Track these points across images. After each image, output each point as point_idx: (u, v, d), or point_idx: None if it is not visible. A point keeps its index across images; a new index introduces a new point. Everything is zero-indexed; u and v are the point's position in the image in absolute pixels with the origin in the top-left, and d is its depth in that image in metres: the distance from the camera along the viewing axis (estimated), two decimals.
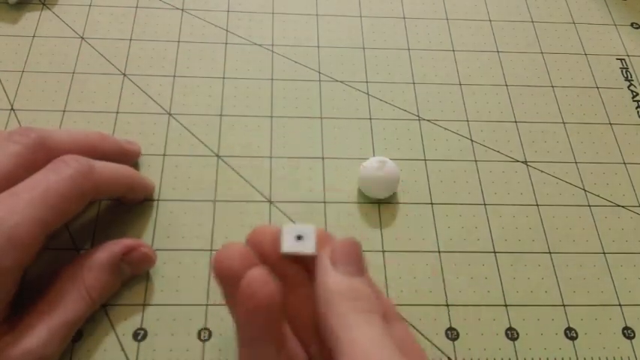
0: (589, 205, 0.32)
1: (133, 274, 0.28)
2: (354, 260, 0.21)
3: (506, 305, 0.29)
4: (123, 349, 0.26)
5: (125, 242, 0.27)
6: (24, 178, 0.24)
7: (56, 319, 0.24)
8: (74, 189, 0.24)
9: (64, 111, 0.33)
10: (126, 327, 0.27)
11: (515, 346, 0.28)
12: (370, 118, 0.35)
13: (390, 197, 0.32)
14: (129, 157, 0.30)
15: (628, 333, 0.29)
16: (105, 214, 0.30)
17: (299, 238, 0.22)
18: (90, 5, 0.38)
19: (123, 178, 0.28)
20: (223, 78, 0.35)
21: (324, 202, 0.31)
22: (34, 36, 0.36)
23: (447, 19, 0.40)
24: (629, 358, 0.28)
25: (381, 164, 0.30)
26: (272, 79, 0.36)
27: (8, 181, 0.24)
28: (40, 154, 0.25)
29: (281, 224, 0.22)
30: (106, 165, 0.27)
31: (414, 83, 0.36)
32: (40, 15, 0.37)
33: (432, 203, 0.32)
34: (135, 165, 0.32)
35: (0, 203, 0.23)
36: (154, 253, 0.28)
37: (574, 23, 0.40)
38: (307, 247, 0.22)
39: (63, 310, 0.24)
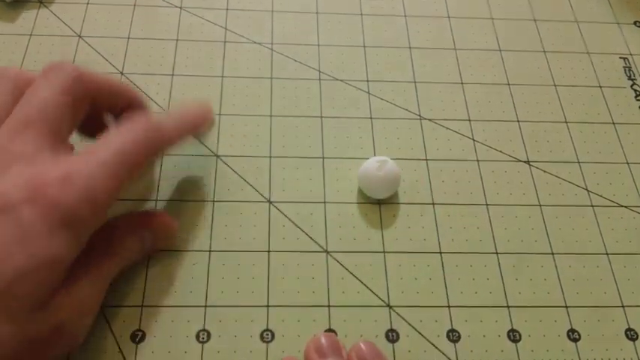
0: (592, 206, 0.32)
1: (153, 249, 0.28)
2: None
3: (508, 307, 0.29)
4: (121, 351, 0.26)
5: (149, 214, 0.28)
6: (74, 113, 0.25)
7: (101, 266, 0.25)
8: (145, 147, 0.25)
9: None
10: (124, 329, 0.26)
11: (517, 348, 0.27)
12: (371, 118, 0.34)
13: (390, 197, 0.31)
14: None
15: (631, 334, 0.28)
16: None
17: None
18: (87, 3, 0.37)
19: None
20: (222, 77, 0.35)
21: (324, 202, 0.31)
22: (31, 34, 0.36)
23: (449, 17, 0.39)
24: (631, 359, 0.28)
25: (381, 164, 0.30)
26: (271, 78, 0.35)
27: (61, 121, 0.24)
28: (81, 89, 0.25)
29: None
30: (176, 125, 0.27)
31: (415, 82, 0.36)
32: (38, 13, 0.37)
33: (433, 203, 0.31)
34: None
35: (85, 165, 0.23)
36: (174, 222, 0.28)
37: (577, 22, 0.40)
38: None
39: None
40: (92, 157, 0.23)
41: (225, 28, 0.37)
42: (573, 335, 0.28)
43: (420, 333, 0.28)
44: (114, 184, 0.23)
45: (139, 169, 0.24)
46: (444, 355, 0.27)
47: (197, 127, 0.29)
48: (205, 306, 0.27)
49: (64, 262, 0.22)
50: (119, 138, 0.24)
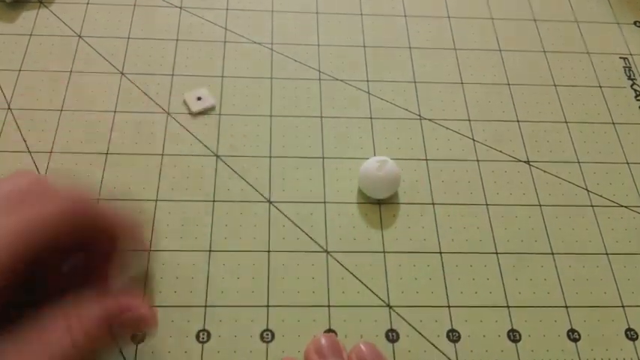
0: (592, 206, 0.32)
1: (129, 334, 0.25)
2: None
3: (508, 307, 0.29)
4: (121, 352, 0.26)
5: (123, 300, 0.23)
6: None
7: None
8: (64, 219, 0.21)
9: (61, 110, 0.33)
10: None
11: (517, 348, 0.27)
12: (371, 118, 0.34)
13: (390, 197, 0.31)
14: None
15: (631, 334, 0.28)
16: None
17: (199, 99, 0.33)
18: (87, 3, 0.37)
19: (119, 219, 0.23)
20: (222, 77, 0.35)
21: (324, 202, 0.31)
22: (31, 34, 0.36)
23: (449, 18, 0.39)
24: (631, 359, 0.28)
25: (381, 164, 0.30)
26: (271, 78, 0.35)
27: None
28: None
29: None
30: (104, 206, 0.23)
31: (415, 82, 0.36)
32: (38, 13, 0.37)
33: (433, 203, 0.31)
34: (133, 166, 0.31)
35: None
36: (152, 312, 0.24)
37: (577, 22, 0.40)
38: (208, 102, 0.33)
39: None
40: None
41: (225, 28, 0.37)
42: (573, 335, 0.28)
43: (420, 333, 0.28)
44: (8, 252, 0.20)
45: (53, 239, 0.21)
46: (444, 355, 0.27)
47: (130, 224, 0.24)
48: (205, 306, 0.27)
49: None
50: (40, 206, 0.21)
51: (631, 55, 0.39)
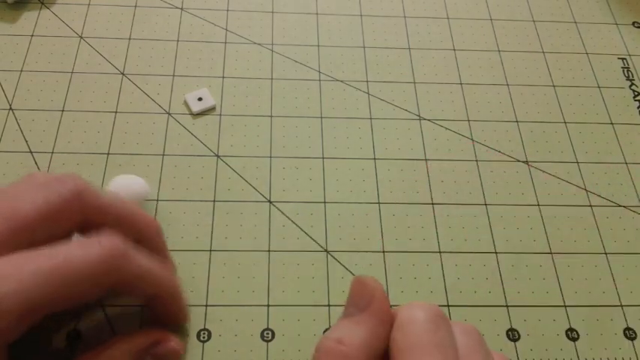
0: (590, 206, 0.32)
1: None
2: None
3: (507, 306, 0.29)
4: None
5: (153, 334, 0.24)
6: (49, 231, 0.22)
7: None
8: (95, 273, 0.21)
9: (62, 110, 0.33)
10: (125, 328, 0.27)
11: (516, 347, 0.28)
12: (370, 118, 0.34)
13: (390, 197, 0.31)
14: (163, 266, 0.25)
15: (629, 334, 0.28)
16: None
17: (200, 99, 0.33)
18: (89, 4, 0.37)
19: (158, 280, 0.24)
20: (223, 77, 0.35)
21: (324, 202, 0.31)
22: (32, 35, 0.36)
23: (448, 18, 0.39)
24: (630, 359, 0.28)
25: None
26: (272, 79, 0.35)
27: (30, 233, 0.21)
28: (73, 208, 0.22)
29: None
30: (146, 258, 0.23)
31: (414, 82, 0.36)
32: (39, 14, 0.37)
33: (432, 203, 0.32)
34: (134, 166, 0.31)
35: (8, 263, 0.20)
36: (182, 347, 0.25)
37: (575, 22, 0.40)
38: (209, 103, 0.33)
39: None
40: (27, 261, 0.20)
41: (226, 29, 0.37)
42: (572, 334, 0.28)
43: None
44: (33, 305, 0.20)
45: (77, 293, 0.21)
46: None
47: (166, 292, 0.25)
48: (206, 305, 0.28)
49: None
50: (72, 250, 0.21)
51: (629, 55, 0.39)
